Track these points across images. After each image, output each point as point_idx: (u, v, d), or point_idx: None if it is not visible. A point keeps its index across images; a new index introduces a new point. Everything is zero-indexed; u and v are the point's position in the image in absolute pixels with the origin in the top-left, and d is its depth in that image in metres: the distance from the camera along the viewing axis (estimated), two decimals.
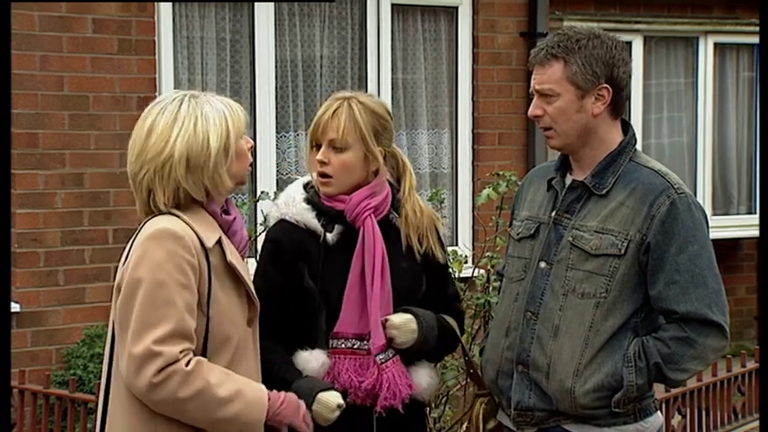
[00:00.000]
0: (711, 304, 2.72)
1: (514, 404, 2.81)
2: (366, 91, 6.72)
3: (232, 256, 2.59)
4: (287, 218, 2.90)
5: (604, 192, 2.77)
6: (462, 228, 6.94)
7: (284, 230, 2.90)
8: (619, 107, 2.82)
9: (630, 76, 2.85)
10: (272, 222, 2.99)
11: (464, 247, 6.40)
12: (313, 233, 2.87)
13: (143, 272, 2.47)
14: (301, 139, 6.64)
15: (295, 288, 2.85)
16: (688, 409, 5.37)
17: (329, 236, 2.86)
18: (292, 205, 2.90)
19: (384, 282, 2.85)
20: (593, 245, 2.73)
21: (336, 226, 2.87)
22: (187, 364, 2.46)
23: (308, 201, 2.91)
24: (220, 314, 2.54)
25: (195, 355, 2.50)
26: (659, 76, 7.99)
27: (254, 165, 6.42)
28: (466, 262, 4.83)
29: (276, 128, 6.50)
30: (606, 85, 2.76)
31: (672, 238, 2.70)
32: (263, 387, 2.60)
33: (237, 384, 2.52)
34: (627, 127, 2.87)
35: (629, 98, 2.90)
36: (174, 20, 6.18)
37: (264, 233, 3.13)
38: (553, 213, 2.83)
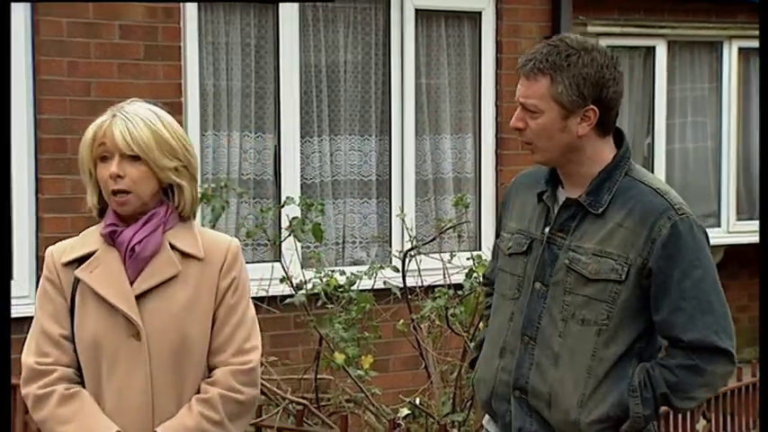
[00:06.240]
0: (719, 331, 2.62)
1: (516, 430, 2.72)
2: (390, 96, 6.75)
3: (88, 270, 2.57)
4: None
5: (600, 211, 2.64)
6: (486, 232, 6.94)
7: None
8: (608, 126, 2.68)
9: (621, 95, 2.66)
10: None
11: (488, 251, 6.40)
12: None
13: None
14: (326, 144, 6.67)
15: None
16: (713, 414, 5.36)
17: None
18: None
19: None
20: (591, 269, 2.62)
21: None
22: (43, 387, 2.54)
23: None
24: (79, 325, 2.57)
25: (63, 363, 2.57)
26: (683, 80, 7.97)
27: (278, 170, 6.47)
28: None
29: (300, 133, 6.52)
30: (593, 107, 2.62)
31: (675, 262, 2.59)
32: None
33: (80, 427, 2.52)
34: (621, 139, 2.72)
35: (618, 115, 2.72)
36: (199, 25, 6.22)
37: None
38: (546, 230, 2.70)
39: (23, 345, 2.66)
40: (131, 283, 2.56)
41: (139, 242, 2.55)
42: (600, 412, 2.62)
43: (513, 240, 2.78)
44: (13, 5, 5.70)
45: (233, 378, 2.57)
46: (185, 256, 2.59)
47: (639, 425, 2.63)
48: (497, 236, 2.92)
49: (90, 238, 2.63)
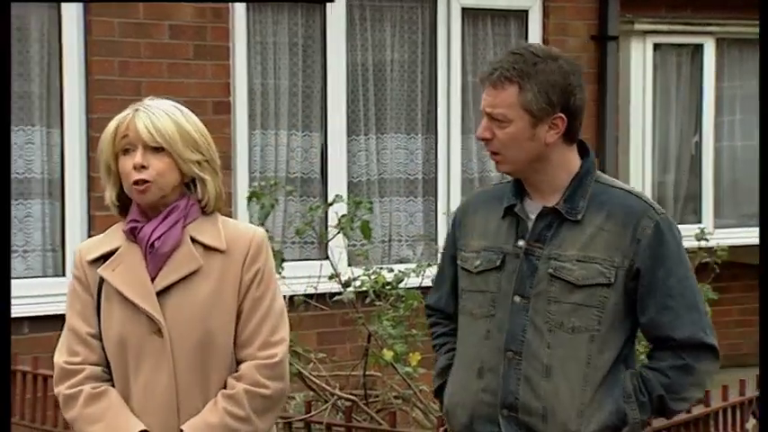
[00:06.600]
0: (705, 327, 2.62)
1: None
2: (436, 94, 6.77)
3: (110, 267, 2.56)
4: None
5: (579, 217, 2.60)
6: None
7: None
8: (574, 134, 2.65)
9: (586, 103, 2.65)
10: None
11: None
12: None
13: None
14: (372, 142, 6.71)
15: None
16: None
17: None
18: None
19: None
20: (577, 275, 2.57)
21: None
22: (71, 387, 2.54)
23: None
24: (105, 323, 2.55)
25: (91, 362, 2.56)
26: (732, 78, 7.92)
27: (325, 168, 6.51)
28: None
29: (347, 131, 6.56)
30: (561, 115, 2.59)
31: (660, 261, 2.58)
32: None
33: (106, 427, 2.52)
34: (584, 147, 2.71)
35: (582, 124, 2.70)
36: (247, 25, 6.28)
37: None
38: (521, 243, 2.63)
39: None
40: (153, 279, 2.53)
41: (159, 238, 2.52)
42: (599, 421, 2.58)
43: (480, 258, 2.70)
44: (66, 5, 5.79)
45: (258, 372, 2.53)
46: (207, 249, 2.55)
47: (637, 430, 2.61)
48: (449, 262, 2.82)
49: (114, 235, 2.61)
